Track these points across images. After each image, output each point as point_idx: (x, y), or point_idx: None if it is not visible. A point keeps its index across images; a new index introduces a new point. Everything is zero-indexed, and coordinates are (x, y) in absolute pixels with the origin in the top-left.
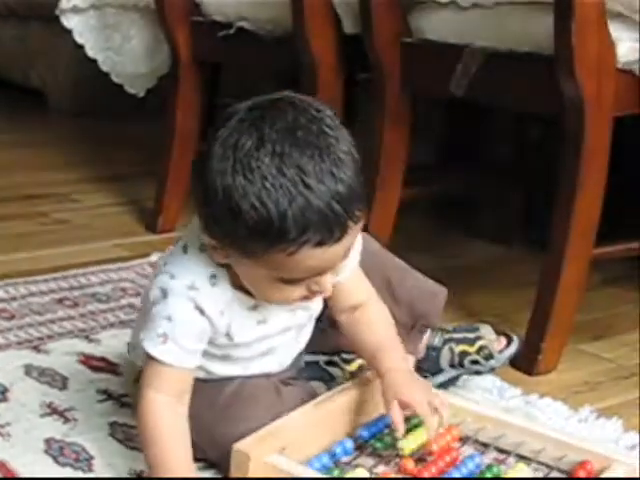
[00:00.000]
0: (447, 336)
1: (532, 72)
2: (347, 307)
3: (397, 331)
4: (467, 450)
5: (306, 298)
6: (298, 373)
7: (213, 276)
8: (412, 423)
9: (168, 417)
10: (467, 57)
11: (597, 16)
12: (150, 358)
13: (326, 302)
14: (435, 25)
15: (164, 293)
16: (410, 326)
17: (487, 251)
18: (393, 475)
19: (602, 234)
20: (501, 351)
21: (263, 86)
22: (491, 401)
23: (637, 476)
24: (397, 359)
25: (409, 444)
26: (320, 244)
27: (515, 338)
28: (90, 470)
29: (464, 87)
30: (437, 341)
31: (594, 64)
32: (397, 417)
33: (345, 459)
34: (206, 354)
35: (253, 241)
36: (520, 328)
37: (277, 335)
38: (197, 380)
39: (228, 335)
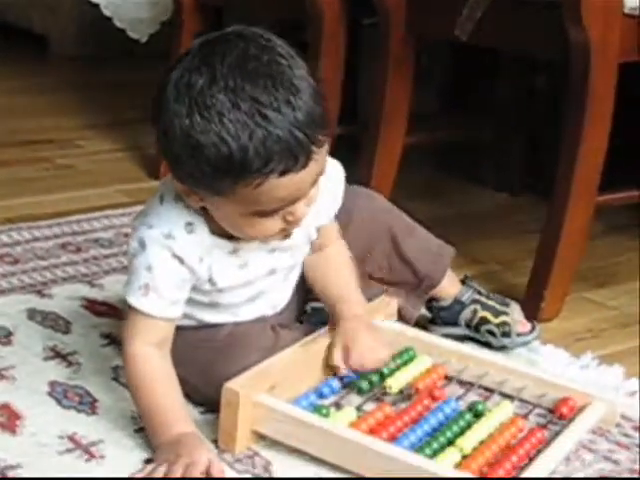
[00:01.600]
0: (477, 297)
1: (538, 17)
2: (316, 245)
3: (399, 290)
4: (452, 389)
5: (284, 232)
6: (306, 318)
7: (189, 224)
8: (401, 360)
9: (156, 364)
10: (472, 1)
11: None
12: (133, 310)
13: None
14: None
15: (142, 244)
16: (415, 285)
17: (490, 199)
18: (380, 413)
19: (606, 182)
20: (520, 334)
21: None
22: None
23: (617, 411)
24: (352, 306)
25: (397, 382)
26: (285, 172)
27: (537, 328)
28: (94, 412)
29: (469, 31)
30: (465, 298)
31: (600, 9)
32: (340, 363)
33: (332, 398)
34: (194, 302)
35: (218, 179)
36: (523, 276)
37: (262, 279)
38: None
39: (211, 281)
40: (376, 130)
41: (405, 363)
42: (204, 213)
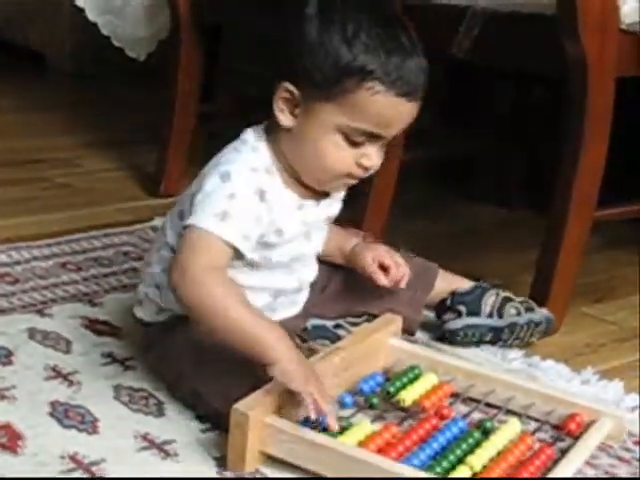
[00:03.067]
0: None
1: (535, 33)
2: None
3: (400, 298)
4: (458, 407)
5: (350, 176)
6: (306, 335)
7: (268, 169)
8: (407, 379)
9: (234, 285)
10: (469, 18)
11: None
12: (197, 233)
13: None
14: None
15: (226, 176)
16: (412, 292)
17: (488, 214)
18: (395, 427)
19: (604, 196)
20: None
21: (263, 50)
22: (493, 363)
23: (625, 428)
24: (357, 238)
25: (409, 395)
26: (401, 94)
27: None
28: (95, 432)
29: (466, 49)
30: (484, 284)
31: (597, 24)
32: (378, 273)
33: (344, 414)
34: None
35: (346, 77)
36: (523, 291)
37: (303, 242)
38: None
39: (280, 232)
40: None
41: (411, 381)
42: (280, 162)
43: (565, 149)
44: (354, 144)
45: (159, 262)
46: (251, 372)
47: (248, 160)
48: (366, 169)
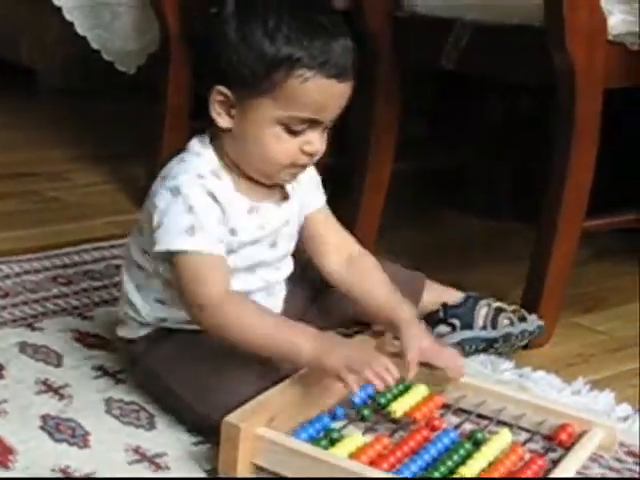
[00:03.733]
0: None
1: (522, 44)
2: (333, 252)
3: None
4: (449, 418)
5: (295, 167)
6: None
7: (214, 172)
8: (397, 390)
9: (242, 303)
10: (457, 30)
11: None
12: (183, 261)
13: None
14: None
15: (174, 191)
16: None
17: (477, 225)
18: (386, 438)
19: (593, 207)
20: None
21: None
22: (484, 374)
23: (616, 438)
24: (409, 310)
25: (400, 407)
26: (331, 76)
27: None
28: (86, 446)
29: (455, 60)
30: (475, 295)
31: (585, 36)
32: (412, 369)
33: (334, 426)
34: None
35: (273, 71)
36: (513, 302)
37: (267, 249)
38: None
39: (233, 231)
40: (364, 158)
41: (402, 393)
42: (228, 165)
43: (553, 160)
44: (294, 133)
45: (130, 281)
46: (239, 383)
47: (194, 167)
48: (311, 155)
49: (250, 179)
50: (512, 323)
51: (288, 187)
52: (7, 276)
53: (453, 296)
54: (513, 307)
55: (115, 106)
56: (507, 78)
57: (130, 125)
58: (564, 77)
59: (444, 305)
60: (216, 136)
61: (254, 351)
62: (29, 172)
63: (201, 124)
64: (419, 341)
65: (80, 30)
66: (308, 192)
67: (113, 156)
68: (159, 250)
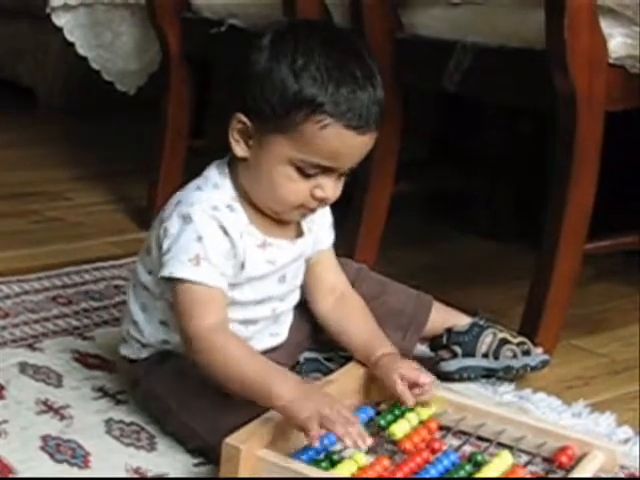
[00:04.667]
0: (491, 323)
1: (524, 67)
2: (328, 293)
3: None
4: (449, 440)
5: (306, 209)
6: (299, 368)
7: (230, 206)
8: (394, 414)
9: (231, 338)
10: (459, 53)
11: (588, 11)
12: (182, 288)
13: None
14: (427, 21)
15: (187, 219)
16: (403, 334)
17: (478, 246)
18: (387, 460)
19: (594, 228)
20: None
21: None
22: (484, 396)
23: (617, 461)
24: (388, 345)
25: (400, 429)
26: (351, 127)
27: (547, 356)
28: (86, 467)
29: (456, 82)
30: (482, 322)
31: (586, 59)
32: (406, 393)
33: (335, 448)
34: None
35: (295, 110)
36: (513, 323)
37: (276, 284)
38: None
39: (242, 265)
40: (365, 179)
41: (402, 414)
42: (243, 197)
43: (554, 182)
44: (307, 176)
45: (135, 300)
46: (239, 405)
47: (209, 199)
48: (320, 200)
49: (264, 212)
50: (515, 356)
51: (303, 223)
52: (7, 296)
53: (461, 320)
54: (519, 339)
55: (114, 126)
56: (508, 101)
57: (130, 144)
58: (565, 100)
59: (448, 330)
60: (233, 163)
61: (234, 388)
62: (30, 192)
63: (201, 144)
64: (398, 371)
65: (81, 51)
66: (321, 229)
67: (114, 176)
68: (163, 275)
